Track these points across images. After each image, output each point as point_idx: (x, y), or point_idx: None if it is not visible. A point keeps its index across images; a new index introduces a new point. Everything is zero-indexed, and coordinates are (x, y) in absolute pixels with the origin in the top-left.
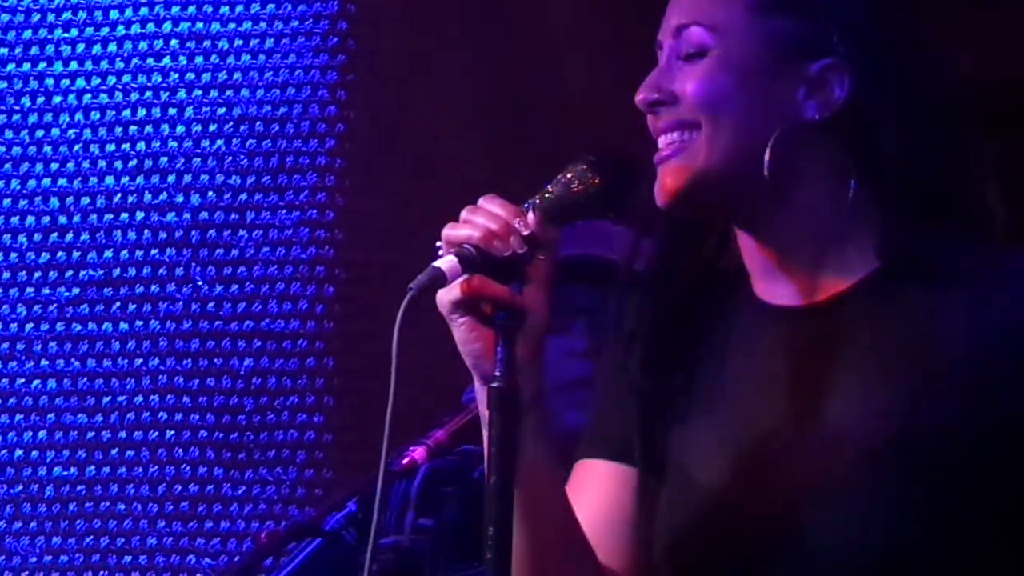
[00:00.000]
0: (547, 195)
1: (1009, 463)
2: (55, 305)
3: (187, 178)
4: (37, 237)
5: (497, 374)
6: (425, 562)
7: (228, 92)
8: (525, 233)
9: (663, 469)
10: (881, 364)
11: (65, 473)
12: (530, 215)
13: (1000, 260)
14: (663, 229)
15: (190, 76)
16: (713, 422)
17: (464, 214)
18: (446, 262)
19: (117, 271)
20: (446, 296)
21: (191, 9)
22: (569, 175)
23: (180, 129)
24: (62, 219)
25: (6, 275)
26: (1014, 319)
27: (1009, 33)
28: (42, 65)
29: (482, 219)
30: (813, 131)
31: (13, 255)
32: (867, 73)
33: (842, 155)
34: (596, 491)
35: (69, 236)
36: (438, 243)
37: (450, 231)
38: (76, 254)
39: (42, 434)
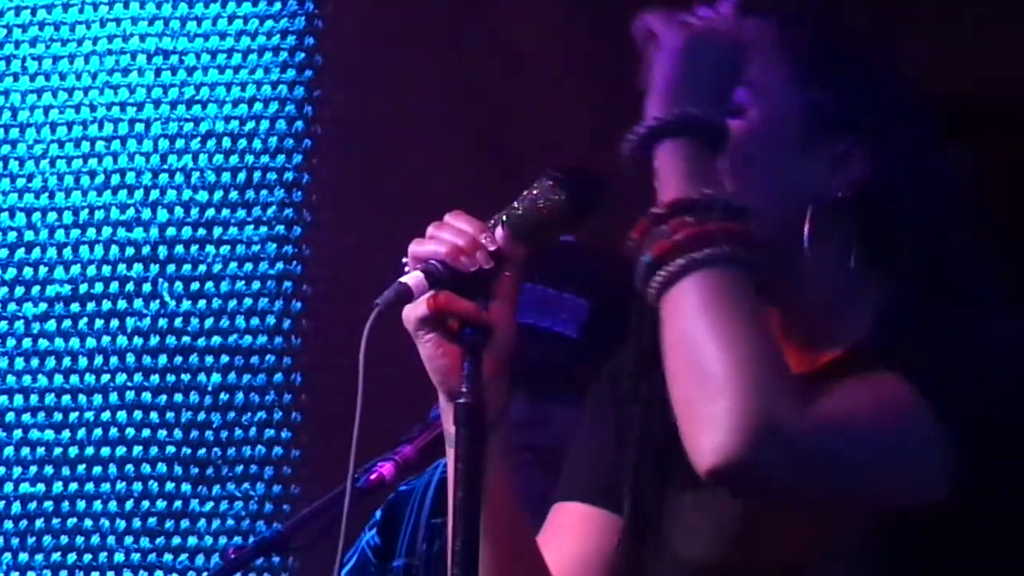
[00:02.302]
0: (514, 211)
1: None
2: (22, 321)
3: (154, 194)
4: (4, 253)
5: (463, 390)
6: None
7: (195, 108)
8: (492, 249)
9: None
10: None
11: (32, 489)
12: (497, 231)
13: (987, 335)
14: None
15: (157, 92)
16: (703, 484)
17: (430, 230)
18: (412, 278)
19: (84, 287)
20: (412, 312)
21: (158, 25)
22: (535, 191)
23: (147, 145)
24: (29, 235)
25: None
26: (960, 382)
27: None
28: (9, 81)
29: (448, 235)
30: (831, 208)
31: None
32: (887, 154)
33: (854, 232)
34: (573, 533)
35: (36, 252)
36: (404, 259)
37: (416, 247)
38: (43, 270)
39: (9, 450)
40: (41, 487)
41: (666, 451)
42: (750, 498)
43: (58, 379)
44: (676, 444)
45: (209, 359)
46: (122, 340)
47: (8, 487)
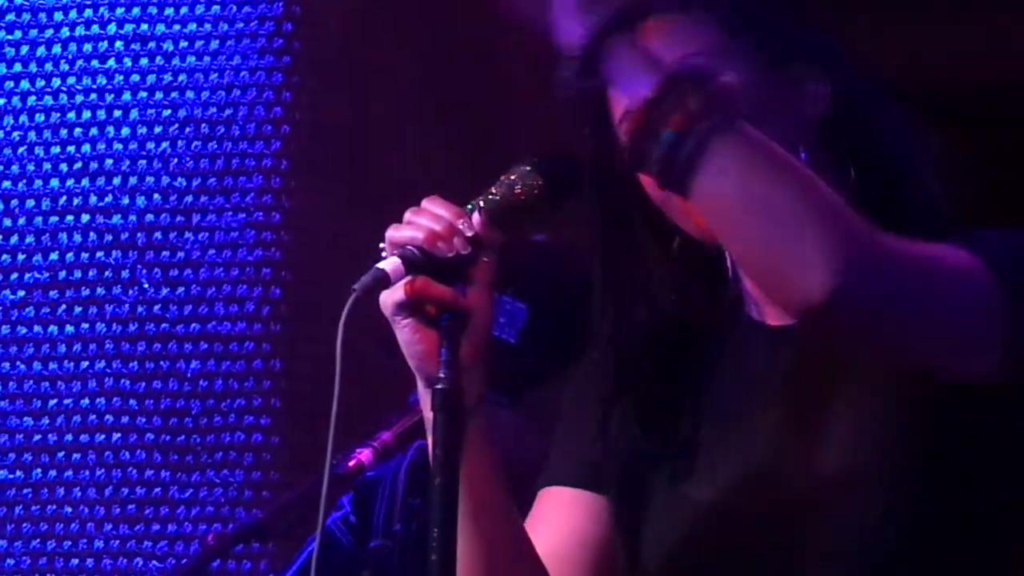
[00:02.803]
0: (491, 196)
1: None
2: (0, 308)
3: (132, 180)
4: None
5: (441, 375)
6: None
7: (173, 94)
8: (469, 234)
9: (647, 495)
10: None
11: (11, 476)
12: (475, 216)
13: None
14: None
15: (135, 78)
16: (709, 441)
17: (408, 215)
18: (390, 263)
19: (63, 274)
20: (389, 298)
21: (136, 11)
22: (512, 177)
23: (125, 131)
24: (6, 221)
25: None
26: None
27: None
28: None
29: (425, 220)
30: (814, 131)
31: None
32: (838, 75)
33: (832, 166)
34: (562, 518)
35: (14, 239)
36: (382, 244)
37: (394, 232)
38: (21, 257)
39: None
40: (20, 474)
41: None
42: (846, 338)
43: (36, 366)
44: (664, 408)
45: (188, 346)
46: (100, 327)
47: None
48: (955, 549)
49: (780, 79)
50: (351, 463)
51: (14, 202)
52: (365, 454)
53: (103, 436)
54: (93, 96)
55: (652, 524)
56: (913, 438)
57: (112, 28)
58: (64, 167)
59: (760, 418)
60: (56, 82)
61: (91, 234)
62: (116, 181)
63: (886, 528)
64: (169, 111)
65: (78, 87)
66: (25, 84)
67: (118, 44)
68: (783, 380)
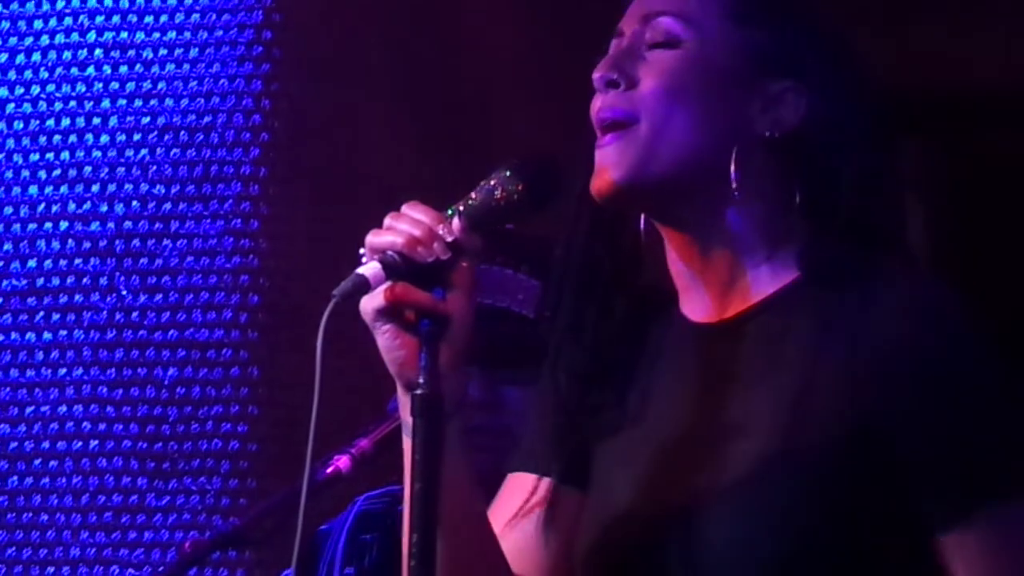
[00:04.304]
0: (471, 201)
1: (884, 480)
2: None
3: (111, 187)
4: None
5: (421, 381)
6: None
7: (152, 101)
8: (449, 239)
9: (586, 482)
10: (776, 381)
11: None
12: (455, 221)
13: (894, 275)
14: (586, 233)
15: (114, 85)
16: (633, 439)
17: (387, 221)
18: (369, 269)
19: (41, 280)
20: (369, 303)
21: (115, 18)
22: (492, 181)
23: (104, 138)
24: None
25: None
26: (886, 328)
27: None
28: None
29: (405, 225)
30: (758, 146)
31: None
32: (823, 103)
33: (780, 175)
34: (521, 503)
35: None
36: (361, 250)
37: (373, 238)
38: None
39: None
40: None
41: (588, 398)
42: None
43: (13, 372)
44: (596, 401)
45: (166, 353)
46: (78, 334)
47: None
48: (837, 553)
49: (754, 87)
50: (329, 470)
51: None
52: (343, 461)
53: (80, 443)
54: (72, 103)
55: (582, 521)
56: (823, 459)
57: (91, 35)
58: (43, 174)
59: (677, 416)
60: (35, 89)
61: (69, 241)
62: (95, 188)
63: (775, 537)
64: (148, 118)
65: (57, 94)
66: (4, 91)
67: (97, 51)
68: (696, 379)
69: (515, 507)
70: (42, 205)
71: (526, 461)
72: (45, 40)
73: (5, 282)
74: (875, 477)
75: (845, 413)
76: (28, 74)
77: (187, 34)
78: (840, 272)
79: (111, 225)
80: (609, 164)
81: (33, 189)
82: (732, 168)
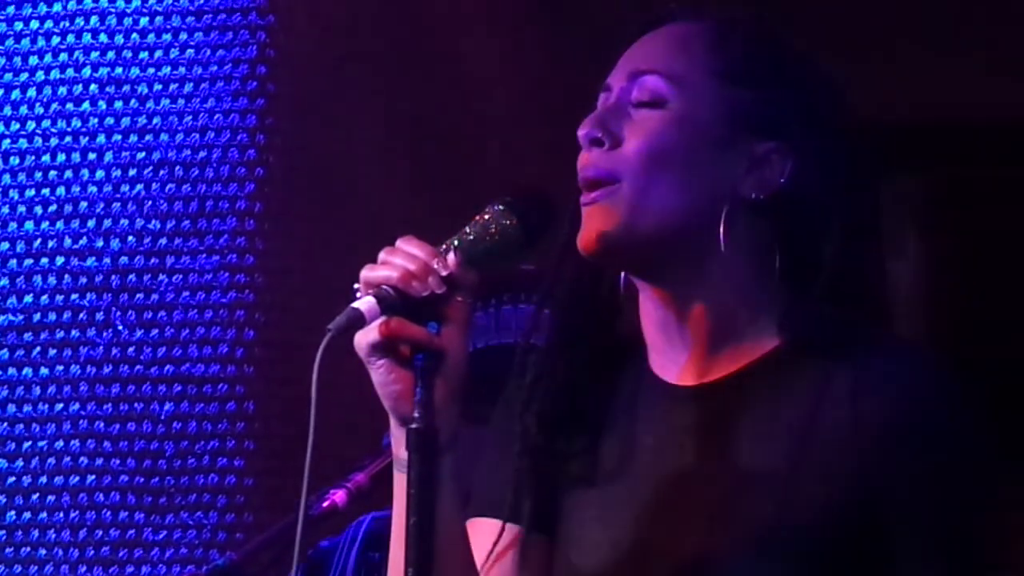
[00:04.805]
0: (465, 236)
1: (874, 548)
2: None
3: (107, 223)
4: None
5: (415, 415)
6: None
7: (148, 137)
8: (444, 274)
9: (552, 530)
10: (765, 449)
11: None
12: (450, 255)
13: (887, 350)
14: (564, 289)
15: (109, 121)
16: (603, 497)
17: (382, 255)
18: (364, 303)
19: (37, 316)
20: (364, 338)
21: (110, 54)
22: (487, 216)
23: (100, 174)
24: None
25: None
26: (883, 407)
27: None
28: None
29: (400, 260)
30: (742, 208)
31: None
32: (809, 165)
33: (764, 237)
34: (484, 550)
35: None
36: (356, 285)
37: (368, 272)
38: None
39: None
40: None
41: (550, 460)
42: None
43: (11, 408)
44: (563, 450)
45: (162, 388)
46: (75, 369)
47: None
48: None
49: (740, 148)
50: (325, 504)
51: None
52: (339, 495)
53: (77, 478)
54: (68, 139)
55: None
56: (787, 509)
57: (87, 71)
58: (39, 210)
59: (661, 477)
60: (31, 125)
61: (66, 276)
62: (91, 224)
63: None
64: (143, 154)
65: (53, 130)
66: (0, 127)
67: (93, 87)
68: (676, 442)
69: (482, 555)
70: (38, 240)
71: (490, 507)
72: (41, 76)
73: (2, 317)
74: (866, 543)
75: (837, 492)
76: (24, 109)
77: (182, 69)
78: (824, 338)
79: (107, 260)
80: (592, 223)
81: (29, 224)
82: (721, 230)
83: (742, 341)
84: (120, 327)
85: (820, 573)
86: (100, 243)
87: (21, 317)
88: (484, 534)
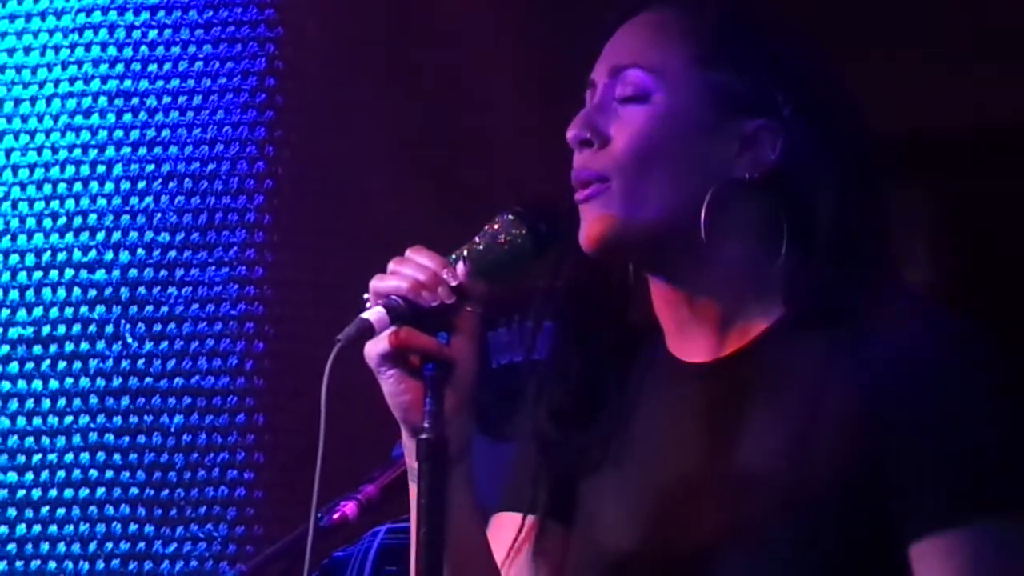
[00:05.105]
0: (475, 246)
1: (888, 505)
2: None
3: (116, 235)
4: None
5: (425, 426)
6: None
7: (156, 149)
8: (453, 284)
9: (571, 519)
10: (779, 415)
11: None
12: (459, 265)
13: (887, 304)
14: (573, 278)
15: (118, 133)
16: (621, 478)
17: (391, 265)
18: (374, 314)
19: (47, 329)
20: (374, 348)
21: (119, 67)
22: (496, 226)
23: (109, 186)
24: None
25: None
26: (884, 361)
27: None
28: None
29: (409, 270)
30: (739, 189)
31: None
32: (800, 137)
33: (764, 214)
34: (510, 543)
35: None
36: (366, 295)
37: (378, 283)
38: (5, 312)
39: None
40: (4, 529)
41: (569, 444)
42: None
43: (21, 421)
44: (580, 441)
45: (172, 400)
46: (84, 382)
47: None
48: None
49: (729, 130)
50: (335, 516)
51: None
52: (349, 507)
53: (87, 491)
54: (77, 152)
55: (569, 554)
56: (832, 494)
57: (95, 84)
58: (48, 222)
59: (677, 456)
60: (40, 138)
61: (75, 289)
62: (100, 236)
63: (783, 564)
64: (152, 166)
65: (62, 143)
66: (9, 140)
67: (101, 100)
68: (692, 418)
69: (505, 547)
70: (48, 253)
71: (511, 500)
72: (50, 88)
73: (11, 330)
74: (879, 501)
75: (851, 445)
76: (33, 122)
77: (191, 82)
78: (831, 301)
79: (116, 273)
80: (589, 221)
81: (39, 238)
82: (703, 212)
83: (751, 316)
84: (129, 339)
85: (837, 537)
86: (109, 255)
87: (31, 330)
88: (503, 528)
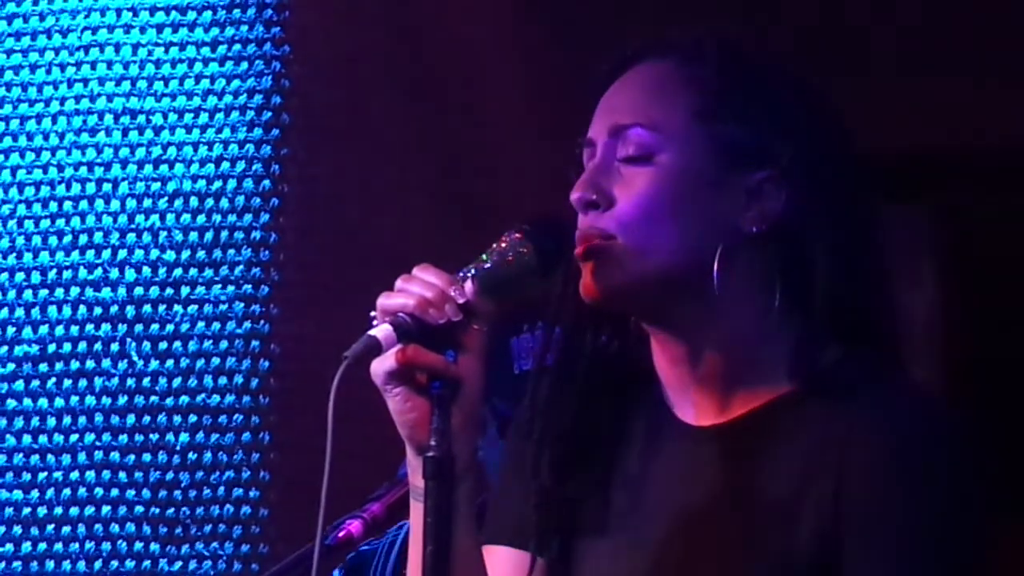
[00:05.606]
0: (482, 264)
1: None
2: None
3: (122, 253)
4: None
5: (432, 443)
6: None
7: (162, 167)
8: (460, 301)
9: (568, 566)
10: (777, 481)
11: (1, 549)
12: (466, 283)
13: (885, 392)
14: (571, 322)
15: (125, 152)
16: (618, 534)
17: (399, 283)
18: (381, 331)
19: (53, 347)
20: (380, 366)
21: (125, 85)
22: (503, 244)
23: (115, 204)
24: None
25: None
26: (868, 451)
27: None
28: None
29: (417, 288)
30: (746, 242)
31: None
32: (803, 186)
33: (769, 268)
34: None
35: (4, 312)
36: (372, 313)
37: (385, 300)
38: (11, 330)
39: None
40: (10, 547)
41: (568, 495)
42: None
43: (26, 439)
44: (578, 493)
45: (177, 418)
46: (90, 400)
47: None
48: None
49: (734, 183)
50: (340, 534)
51: (4, 276)
52: (355, 525)
53: (93, 509)
54: (83, 170)
55: None
56: (806, 555)
57: (102, 102)
58: (54, 240)
59: (666, 517)
60: (46, 156)
61: (81, 307)
62: (106, 254)
63: None
64: (158, 184)
65: (68, 161)
66: (16, 158)
67: (108, 118)
68: (692, 480)
69: None
70: (53, 271)
71: (507, 535)
72: (56, 106)
73: (18, 348)
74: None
75: (825, 520)
76: (39, 140)
77: (197, 100)
78: (834, 380)
79: (122, 291)
80: (593, 279)
81: (44, 255)
82: (715, 268)
83: (756, 378)
84: (135, 358)
85: None
86: (115, 274)
87: (37, 348)
88: (501, 562)
